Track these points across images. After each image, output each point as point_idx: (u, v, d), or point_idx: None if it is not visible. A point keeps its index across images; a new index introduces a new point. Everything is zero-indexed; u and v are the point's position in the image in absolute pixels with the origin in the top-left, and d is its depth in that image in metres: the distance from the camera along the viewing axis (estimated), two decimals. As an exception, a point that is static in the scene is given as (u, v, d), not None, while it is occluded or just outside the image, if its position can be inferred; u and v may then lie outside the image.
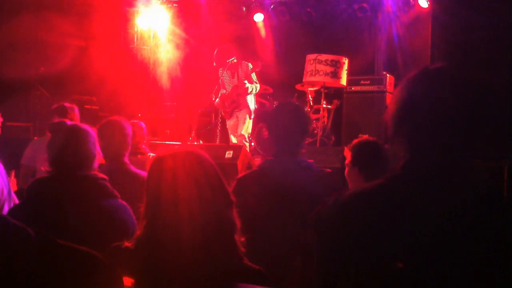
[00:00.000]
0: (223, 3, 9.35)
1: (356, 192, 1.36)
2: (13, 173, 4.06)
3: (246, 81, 7.01)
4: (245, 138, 7.10)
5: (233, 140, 7.26)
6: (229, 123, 7.32)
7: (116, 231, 2.12)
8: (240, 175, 2.81)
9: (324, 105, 7.50)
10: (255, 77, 7.20)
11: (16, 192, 2.99)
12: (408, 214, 1.23)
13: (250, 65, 7.15)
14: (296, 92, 8.20)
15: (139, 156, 4.12)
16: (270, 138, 2.68)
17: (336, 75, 7.05)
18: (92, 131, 2.37)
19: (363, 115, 7.24)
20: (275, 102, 8.45)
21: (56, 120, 3.06)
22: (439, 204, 1.22)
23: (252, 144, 7.59)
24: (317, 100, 7.71)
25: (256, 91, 7.16)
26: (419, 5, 7.93)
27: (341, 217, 1.32)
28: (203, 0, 9.21)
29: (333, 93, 7.85)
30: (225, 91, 7.24)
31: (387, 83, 7.34)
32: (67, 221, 2.06)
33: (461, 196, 1.23)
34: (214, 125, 8.73)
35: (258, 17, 9.36)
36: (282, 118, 2.68)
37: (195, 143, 7.79)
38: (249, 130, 7.25)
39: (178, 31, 9.53)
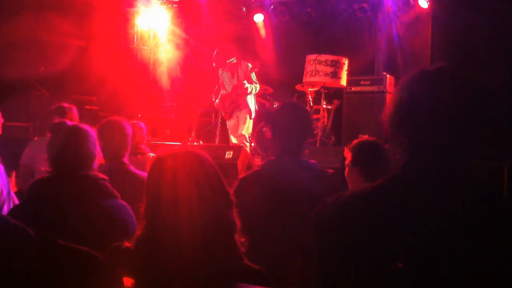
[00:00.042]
0: (223, 3, 9.35)
1: (356, 192, 1.37)
2: (14, 174, 4.06)
3: (245, 81, 7.01)
4: (245, 138, 7.10)
5: (233, 140, 7.26)
6: (229, 123, 7.32)
7: (116, 231, 2.12)
8: (242, 175, 2.82)
9: (324, 106, 7.50)
10: (255, 77, 7.20)
11: (16, 193, 2.99)
12: (408, 214, 1.23)
13: (250, 65, 7.15)
14: (296, 93, 8.20)
15: (139, 156, 4.12)
16: (273, 139, 2.69)
17: (336, 75, 7.05)
18: (92, 131, 2.37)
19: (363, 115, 7.24)
20: (275, 103, 8.45)
21: (56, 120, 3.07)
22: (439, 204, 1.22)
23: (252, 144, 7.59)
24: (317, 101, 7.71)
25: (256, 91, 7.16)
26: (419, 5, 7.93)
27: (341, 217, 1.32)
28: (203, 0, 9.21)
29: (333, 94, 7.85)
30: (225, 91, 7.24)
31: (387, 84, 7.34)
32: (67, 221, 2.06)
33: (461, 196, 1.23)
34: (214, 125, 8.73)
35: (258, 17, 9.37)
36: (285, 118, 2.69)
37: (195, 143, 7.79)
38: (250, 130, 7.25)
39: (178, 31, 9.53)
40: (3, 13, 8.63)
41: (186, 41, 9.45)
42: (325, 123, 7.73)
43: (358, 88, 7.56)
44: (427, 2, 7.77)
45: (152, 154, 4.13)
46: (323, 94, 7.36)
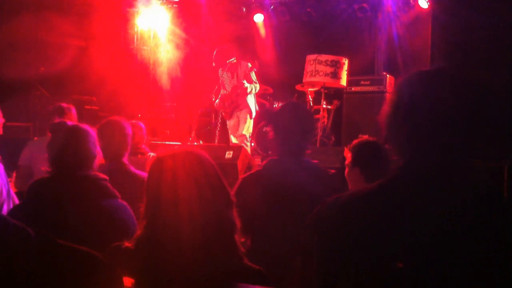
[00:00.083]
0: (223, 3, 9.35)
1: (356, 192, 1.37)
2: (14, 174, 4.06)
3: (244, 81, 7.01)
4: (246, 138, 7.10)
5: (233, 140, 7.26)
6: (229, 123, 7.32)
7: (116, 231, 2.12)
8: (244, 175, 2.82)
9: (324, 106, 7.50)
10: (255, 76, 7.20)
11: (15, 194, 2.99)
12: (408, 214, 1.23)
13: (249, 65, 7.16)
14: (296, 93, 8.20)
15: (139, 156, 4.12)
16: (275, 139, 2.69)
17: (336, 75, 7.05)
18: (92, 131, 2.37)
19: (363, 115, 7.24)
20: (275, 103, 8.46)
21: (57, 120, 3.06)
22: (439, 204, 1.22)
23: (252, 144, 7.59)
24: (317, 101, 7.71)
25: (255, 91, 7.16)
26: (419, 5, 7.93)
27: (341, 217, 1.32)
28: (203, 0, 9.21)
29: (333, 94, 7.86)
30: (225, 91, 7.24)
31: (387, 84, 7.35)
32: (67, 221, 2.06)
33: (461, 196, 1.23)
34: (214, 125, 8.74)
35: (258, 18, 9.37)
36: (287, 118, 2.69)
37: (195, 143, 7.79)
38: (250, 130, 7.25)
39: (178, 31, 9.53)
40: (3, 13, 8.63)
41: (186, 41, 9.45)
42: (325, 123, 7.73)
43: (358, 88, 7.56)
44: (427, 2, 7.77)
45: (152, 154, 4.13)
46: (323, 94, 7.36)
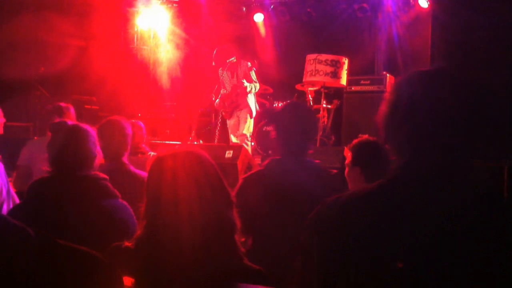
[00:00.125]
0: (223, 3, 9.35)
1: (356, 192, 1.37)
2: (14, 174, 4.06)
3: (244, 80, 7.01)
4: (246, 137, 7.10)
5: (233, 139, 7.26)
6: (230, 123, 7.32)
7: (116, 231, 2.12)
8: (246, 174, 2.83)
9: (324, 105, 7.50)
10: (255, 76, 7.20)
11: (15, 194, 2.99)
12: (408, 214, 1.23)
13: (249, 64, 7.16)
14: (296, 92, 8.20)
15: (139, 155, 4.12)
16: (277, 138, 2.69)
17: (336, 75, 7.05)
18: (93, 131, 2.37)
19: (363, 115, 7.24)
20: (275, 102, 8.45)
21: (57, 120, 3.06)
22: (439, 204, 1.22)
23: (253, 143, 7.59)
24: (317, 100, 7.71)
25: (255, 90, 7.16)
26: (419, 5, 7.93)
27: (341, 217, 1.32)
28: (203, 0, 9.21)
29: (333, 93, 7.85)
30: (225, 91, 7.24)
31: (387, 83, 7.34)
32: (67, 221, 2.06)
33: (461, 196, 1.23)
34: (214, 125, 8.74)
35: (258, 17, 9.36)
36: (289, 118, 2.69)
37: (195, 143, 7.79)
38: (251, 130, 7.25)
39: (178, 31, 9.53)
40: (3, 13, 8.63)
41: (186, 41, 9.45)
42: (325, 123, 7.73)
43: (358, 88, 7.56)
44: (427, 2, 7.77)
45: (152, 153, 4.13)
46: (323, 94, 7.36)
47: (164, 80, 9.38)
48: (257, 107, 7.39)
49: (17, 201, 2.80)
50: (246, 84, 6.98)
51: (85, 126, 2.36)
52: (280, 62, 9.00)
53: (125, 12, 9.70)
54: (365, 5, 8.38)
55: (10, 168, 3.74)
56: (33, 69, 8.56)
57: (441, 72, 1.33)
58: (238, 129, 7.19)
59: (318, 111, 7.64)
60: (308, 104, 7.65)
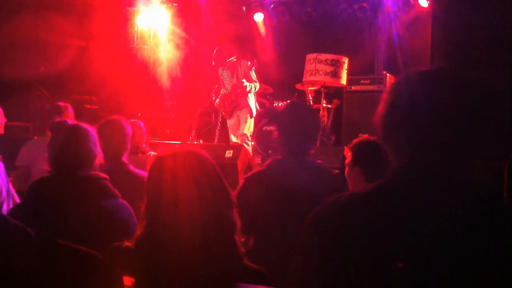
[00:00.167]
0: (223, 3, 9.35)
1: (356, 192, 1.37)
2: (13, 174, 4.06)
3: (244, 80, 7.01)
4: (247, 137, 7.10)
5: (233, 139, 7.26)
6: (230, 122, 7.32)
7: (117, 231, 2.12)
8: (248, 174, 2.83)
9: (324, 105, 7.50)
10: (255, 75, 7.20)
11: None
12: (408, 214, 1.23)
13: (249, 63, 7.16)
14: (296, 92, 8.20)
15: (139, 155, 4.12)
16: (279, 138, 2.70)
17: (336, 74, 7.06)
18: (93, 131, 2.37)
19: (363, 114, 7.24)
20: (275, 102, 8.45)
21: (57, 119, 3.06)
22: (439, 204, 1.22)
23: (253, 143, 7.60)
24: (317, 100, 7.71)
25: (255, 89, 7.15)
26: (419, 5, 7.93)
27: (341, 217, 1.32)
28: (203, 0, 9.21)
29: (333, 93, 7.85)
30: (225, 90, 7.24)
31: (387, 83, 7.34)
32: (67, 221, 2.06)
33: (461, 196, 1.22)
34: (214, 125, 8.74)
35: (258, 17, 9.36)
36: (291, 118, 2.70)
37: (195, 142, 7.79)
38: (251, 129, 7.25)
39: (178, 31, 9.53)
40: (3, 13, 8.63)
41: (186, 40, 9.45)
42: (325, 123, 7.73)
43: (358, 87, 7.56)
44: (427, 1, 7.77)
45: (153, 153, 4.12)
46: (323, 93, 7.36)
47: (164, 80, 9.38)
48: (257, 107, 7.39)
49: (18, 200, 2.80)
50: (246, 83, 6.98)
51: (85, 125, 2.36)
52: (280, 62, 9.00)
53: (125, 11, 9.70)
54: (365, 5, 8.38)
55: (10, 168, 3.74)
56: (33, 69, 8.56)
57: (441, 72, 1.33)
58: (238, 129, 7.19)
59: (318, 110, 7.64)
60: (308, 103, 7.65)
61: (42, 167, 2.33)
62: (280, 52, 9.27)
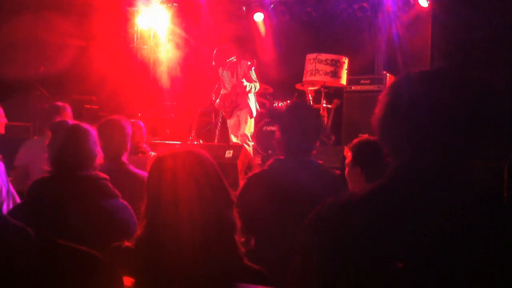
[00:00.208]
0: (223, 3, 9.35)
1: (356, 192, 1.36)
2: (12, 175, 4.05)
3: (244, 80, 7.00)
4: (248, 138, 7.09)
5: (233, 139, 7.25)
6: (230, 122, 7.32)
7: (117, 231, 2.12)
8: (250, 174, 2.84)
9: (324, 105, 7.49)
10: (255, 75, 7.19)
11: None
12: (408, 214, 1.23)
13: (249, 63, 7.16)
14: (296, 92, 8.20)
15: (140, 155, 4.12)
16: (281, 138, 2.70)
17: (336, 74, 7.05)
18: (93, 131, 2.37)
19: (363, 114, 7.23)
20: (275, 102, 8.45)
21: (58, 119, 3.05)
22: (439, 204, 1.22)
23: (253, 143, 7.60)
24: (317, 100, 7.71)
25: (255, 90, 7.15)
26: (419, 4, 7.93)
27: (341, 217, 1.32)
28: (203, 0, 9.21)
29: (333, 93, 7.85)
30: (225, 91, 7.24)
31: (387, 83, 7.34)
32: (67, 221, 2.06)
33: (461, 196, 1.23)
34: (214, 125, 8.74)
35: (258, 17, 9.36)
36: (293, 119, 2.70)
37: (195, 142, 7.79)
38: (252, 130, 7.25)
39: (178, 31, 9.53)
40: (3, 13, 8.63)
41: (186, 40, 9.45)
42: (325, 123, 7.73)
43: (358, 87, 7.56)
44: (427, 1, 7.77)
45: (153, 153, 4.12)
46: (323, 93, 7.36)
47: (164, 79, 9.38)
48: (258, 107, 7.39)
49: (18, 200, 2.80)
50: (245, 83, 6.98)
51: (86, 125, 2.36)
52: (280, 62, 8.99)
53: (125, 11, 9.70)
54: (365, 4, 8.38)
55: (10, 168, 3.74)
56: (33, 69, 8.56)
57: (441, 72, 1.33)
58: (238, 129, 7.19)
59: (318, 110, 7.63)
60: (308, 103, 7.65)
61: (42, 167, 2.32)
62: (280, 52, 9.27)
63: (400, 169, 1.31)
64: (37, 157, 3.50)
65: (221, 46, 7.36)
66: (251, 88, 7.04)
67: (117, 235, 1.88)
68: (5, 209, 2.70)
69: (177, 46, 9.36)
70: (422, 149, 1.29)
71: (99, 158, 2.37)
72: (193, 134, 8.11)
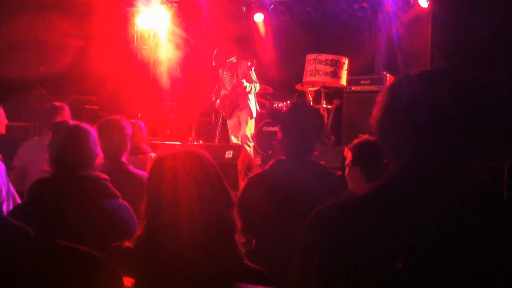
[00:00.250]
0: (223, 3, 9.35)
1: (356, 192, 1.37)
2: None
3: (244, 80, 7.00)
4: (248, 138, 7.09)
5: (233, 140, 7.25)
6: (230, 123, 7.32)
7: (117, 231, 2.12)
8: (251, 174, 2.84)
9: (324, 105, 7.49)
10: (255, 76, 7.19)
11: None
12: (408, 214, 1.23)
13: (249, 64, 7.16)
14: (296, 92, 8.20)
15: (140, 155, 4.12)
16: (282, 139, 2.70)
17: (336, 75, 7.05)
18: (93, 131, 2.37)
19: (363, 115, 7.18)
20: (275, 102, 8.45)
21: (58, 119, 3.05)
22: (439, 204, 1.22)
23: (253, 144, 7.60)
24: (317, 100, 7.70)
25: (255, 90, 7.15)
26: (419, 5, 7.93)
27: (341, 217, 1.32)
28: (203, 0, 9.21)
29: (333, 93, 7.85)
30: (225, 91, 7.24)
31: (387, 83, 7.33)
32: (67, 221, 2.06)
33: (461, 196, 1.23)
34: (214, 125, 8.74)
35: (258, 17, 9.36)
36: (291, 119, 2.70)
37: (195, 143, 7.79)
38: (252, 130, 7.24)
39: (178, 31, 9.53)
40: (3, 13, 8.63)
41: (186, 41, 9.45)
42: (325, 123, 7.71)
43: (358, 88, 7.56)
44: (427, 1, 7.77)
45: (153, 154, 4.12)
46: (323, 94, 7.36)
47: (164, 80, 9.38)
48: (258, 107, 7.39)
49: (18, 200, 2.80)
50: (245, 83, 6.98)
51: (86, 125, 2.36)
52: (280, 62, 8.99)
53: (125, 12, 9.70)
54: (365, 5, 8.38)
55: (10, 168, 3.73)
56: (33, 69, 8.56)
57: (441, 72, 1.33)
58: (238, 130, 7.18)
59: (319, 111, 7.62)
60: (309, 104, 7.65)
61: (41, 168, 2.32)
62: (280, 52, 9.27)
63: (400, 169, 1.31)
64: (36, 158, 3.50)
65: (221, 46, 7.36)
66: (251, 88, 7.04)
67: (117, 235, 1.88)
68: (5, 209, 2.70)
69: (177, 46, 9.36)
70: (422, 149, 1.29)
71: (99, 158, 2.37)
72: (193, 134, 8.11)
